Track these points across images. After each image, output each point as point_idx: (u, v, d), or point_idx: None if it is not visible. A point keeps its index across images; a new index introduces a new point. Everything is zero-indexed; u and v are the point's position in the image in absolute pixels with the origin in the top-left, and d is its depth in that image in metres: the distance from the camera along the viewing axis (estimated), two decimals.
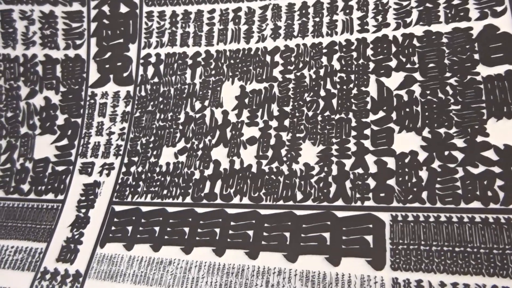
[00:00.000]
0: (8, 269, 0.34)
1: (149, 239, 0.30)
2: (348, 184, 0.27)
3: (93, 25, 0.38)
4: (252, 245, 0.27)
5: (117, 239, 0.32)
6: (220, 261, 0.28)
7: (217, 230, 0.29)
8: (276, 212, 0.28)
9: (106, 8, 0.38)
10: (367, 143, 0.28)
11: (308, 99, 0.31)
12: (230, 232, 0.28)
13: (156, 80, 0.37)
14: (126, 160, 0.35)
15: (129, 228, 0.32)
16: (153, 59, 0.37)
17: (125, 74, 0.37)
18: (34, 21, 0.38)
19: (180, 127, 0.34)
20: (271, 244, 0.27)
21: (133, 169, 0.34)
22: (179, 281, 0.28)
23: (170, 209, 0.31)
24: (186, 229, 0.30)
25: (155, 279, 0.29)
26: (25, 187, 0.37)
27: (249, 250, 0.27)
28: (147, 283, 0.29)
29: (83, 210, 0.34)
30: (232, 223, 0.29)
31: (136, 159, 0.35)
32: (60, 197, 0.36)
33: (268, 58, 0.34)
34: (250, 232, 0.28)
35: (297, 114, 0.31)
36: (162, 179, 0.33)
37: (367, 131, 0.28)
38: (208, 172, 0.32)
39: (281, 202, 0.28)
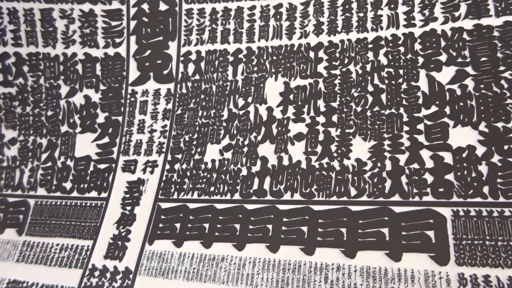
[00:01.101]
0: (54, 267, 0.34)
1: (199, 236, 0.30)
2: (404, 179, 0.27)
3: (133, 23, 0.38)
4: (307, 241, 0.27)
5: (165, 236, 0.32)
6: (275, 257, 0.28)
7: (270, 226, 0.29)
8: (330, 208, 0.28)
9: (145, 6, 0.38)
10: (421, 138, 0.28)
11: (355, 94, 0.31)
12: (284, 228, 0.28)
13: (197, 77, 0.37)
14: (169, 158, 0.35)
15: (177, 225, 0.32)
16: (193, 57, 0.37)
17: (165, 72, 0.38)
18: (74, 20, 0.38)
19: (224, 124, 0.34)
20: (327, 240, 0.27)
21: (177, 166, 0.34)
22: (233, 278, 0.28)
23: (219, 206, 0.31)
24: (237, 226, 0.30)
25: (208, 276, 0.29)
26: (67, 185, 0.38)
27: (305, 246, 0.27)
28: (200, 279, 0.29)
29: (128, 208, 0.34)
30: (285, 219, 0.29)
31: (179, 156, 0.35)
32: (104, 194, 0.36)
33: (311, 54, 0.34)
34: (304, 228, 0.28)
35: (345, 110, 0.31)
36: (208, 176, 0.33)
37: (420, 126, 0.28)
38: (255, 168, 0.32)
39: (334, 198, 0.28)
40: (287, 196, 0.30)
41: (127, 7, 0.39)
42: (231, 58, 0.36)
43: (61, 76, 0.39)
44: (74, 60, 0.39)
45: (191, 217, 0.32)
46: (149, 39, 0.38)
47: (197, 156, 0.34)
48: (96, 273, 0.32)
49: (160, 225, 0.32)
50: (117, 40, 0.39)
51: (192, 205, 0.32)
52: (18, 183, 0.39)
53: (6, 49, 0.38)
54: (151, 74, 0.38)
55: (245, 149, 0.33)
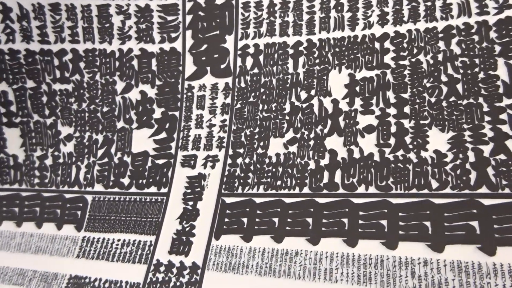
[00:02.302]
0: (117, 262, 0.34)
1: (268, 230, 0.30)
2: (490, 170, 0.26)
3: (189, 18, 0.38)
4: (388, 235, 0.26)
5: (232, 230, 0.31)
6: (354, 252, 0.27)
7: (345, 220, 0.28)
8: (410, 201, 0.27)
9: (201, 0, 0.38)
10: (505, 128, 0.27)
11: (428, 85, 0.30)
12: (360, 222, 0.28)
13: (256, 71, 0.36)
14: (231, 152, 0.35)
15: (244, 220, 0.31)
16: (251, 50, 0.37)
17: (222, 66, 0.37)
18: (130, 15, 0.38)
19: (287, 118, 0.34)
20: (410, 234, 0.26)
21: (239, 160, 0.34)
22: (309, 273, 0.27)
23: (287, 200, 0.31)
24: (309, 220, 0.29)
25: (282, 271, 0.28)
26: (125, 181, 0.38)
27: (386, 240, 0.26)
28: (274, 274, 0.28)
29: (191, 203, 0.34)
30: (361, 213, 0.28)
31: (241, 150, 0.34)
32: (164, 190, 0.36)
33: (377, 45, 0.33)
34: (384, 222, 0.27)
35: (417, 101, 0.30)
36: (274, 170, 0.32)
37: (503, 116, 0.27)
38: (324, 162, 0.31)
39: (414, 191, 0.27)
40: (361, 189, 0.29)
41: (183, 2, 0.38)
42: (291, 51, 0.36)
43: (117, 72, 0.39)
44: (130, 55, 0.39)
45: (258, 212, 0.31)
46: (206, 33, 0.38)
47: (260, 150, 0.34)
48: (162, 268, 0.32)
49: (226, 219, 0.32)
50: (173, 35, 0.38)
51: (258, 200, 0.32)
52: (75, 179, 0.39)
53: (64, 46, 0.38)
54: (208, 68, 0.38)
55: (311, 143, 0.32)
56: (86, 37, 0.39)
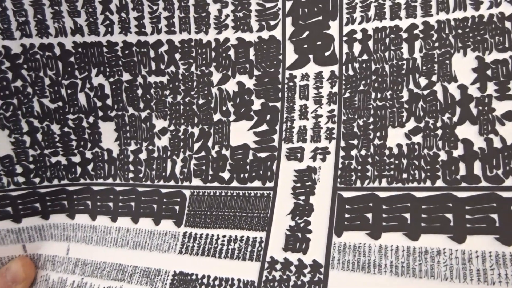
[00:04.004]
0: (225, 259, 0.33)
1: (400, 227, 0.28)
2: None
3: (288, 4, 0.36)
4: None
5: (356, 227, 0.29)
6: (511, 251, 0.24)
7: (494, 216, 0.25)
8: None
9: None
10: None
11: None
12: None
13: (365, 57, 0.34)
14: (343, 144, 0.33)
15: (369, 215, 0.29)
16: (358, 36, 0.34)
17: (326, 54, 0.35)
18: (227, 4, 0.37)
19: (406, 106, 0.31)
20: None
21: (354, 152, 0.32)
22: (458, 273, 0.25)
23: (417, 194, 0.28)
24: (449, 215, 0.27)
25: (423, 271, 0.26)
26: (225, 175, 0.36)
27: None
28: (414, 275, 0.26)
29: (302, 197, 0.32)
30: None
31: (355, 142, 0.32)
32: (269, 184, 0.34)
33: (507, 24, 0.30)
34: None
35: None
36: (396, 162, 0.30)
37: None
38: (458, 152, 0.28)
39: None
40: (509, 182, 0.26)
41: None
42: (404, 35, 0.33)
43: (213, 62, 0.38)
44: (227, 45, 0.37)
45: (384, 207, 0.29)
46: (307, 19, 0.36)
47: (377, 141, 0.31)
48: (278, 266, 0.30)
49: (346, 215, 0.30)
50: (272, 23, 0.37)
51: (382, 194, 0.29)
52: (171, 173, 0.38)
53: (160, 37, 0.38)
54: (311, 56, 0.36)
55: (439, 132, 0.30)
56: (182, 27, 0.37)
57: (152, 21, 0.37)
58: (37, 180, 0.40)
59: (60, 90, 0.38)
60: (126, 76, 0.38)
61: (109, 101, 0.39)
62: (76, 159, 0.40)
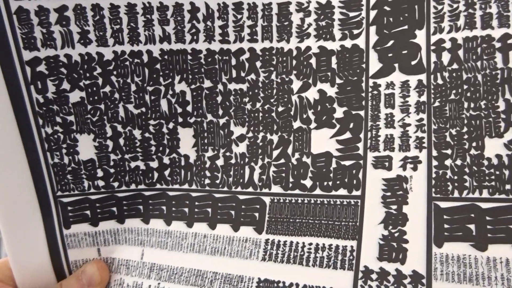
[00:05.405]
0: (313, 267, 0.33)
1: (507, 239, 0.27)
2: None
3: (373, 13, 0.36)
4: None
5: (458, 238, 0.29)
6: None
7: None
8: None
9: None
10: None
11: None
12: None
13: (455, 66, 0.34)
14: (435, 153, 0.32)
15: (471, 227, 0.29)
16: (447, 45, 0.34)
17: (413, 62, 0.35)
18: (310, 13, 0.37)
19: (503, 116, 0.31)
20: None
21: (448, 162, 0.32)
22: None
23: None
24: None
25: None
26: (307, 182, 0.36)
27: None
28: None
29: (394, 207, 0.32)
30: None
31: (448, 152, 0.32)
32: (356, 192, 0.34)
33: None
34: None
35: None
36: (497, 173, 0.30)
37: None
38: None
39: None
40: None
41: None
42: (497, 45, 0.33)
43: (294, 70, 0.38)
44: (308, 54, 0.38)
45: (488, 218, 0.28)
46: (392, 28, 0.36)
47: (473, 151, 0.31)
48: (374, 276, 0.30)
49: (446, 226, 0.30)
50: (355, 32, 0.37)
51: (484, 205, 0.29)
52: (248, 180, 0.38)
53: (242, 45, 0.38)
54: (396, 65, 0.36)
55: None
56: (264, 35, 0.38)
57: (235, 30, 0.38)
58: (116, 184, 0.40)
59: (145, 96, 0.38)
60: (207, 83, 0.39)
61: (189, 108, 0.39)
62: (154, 164, 0.40)
